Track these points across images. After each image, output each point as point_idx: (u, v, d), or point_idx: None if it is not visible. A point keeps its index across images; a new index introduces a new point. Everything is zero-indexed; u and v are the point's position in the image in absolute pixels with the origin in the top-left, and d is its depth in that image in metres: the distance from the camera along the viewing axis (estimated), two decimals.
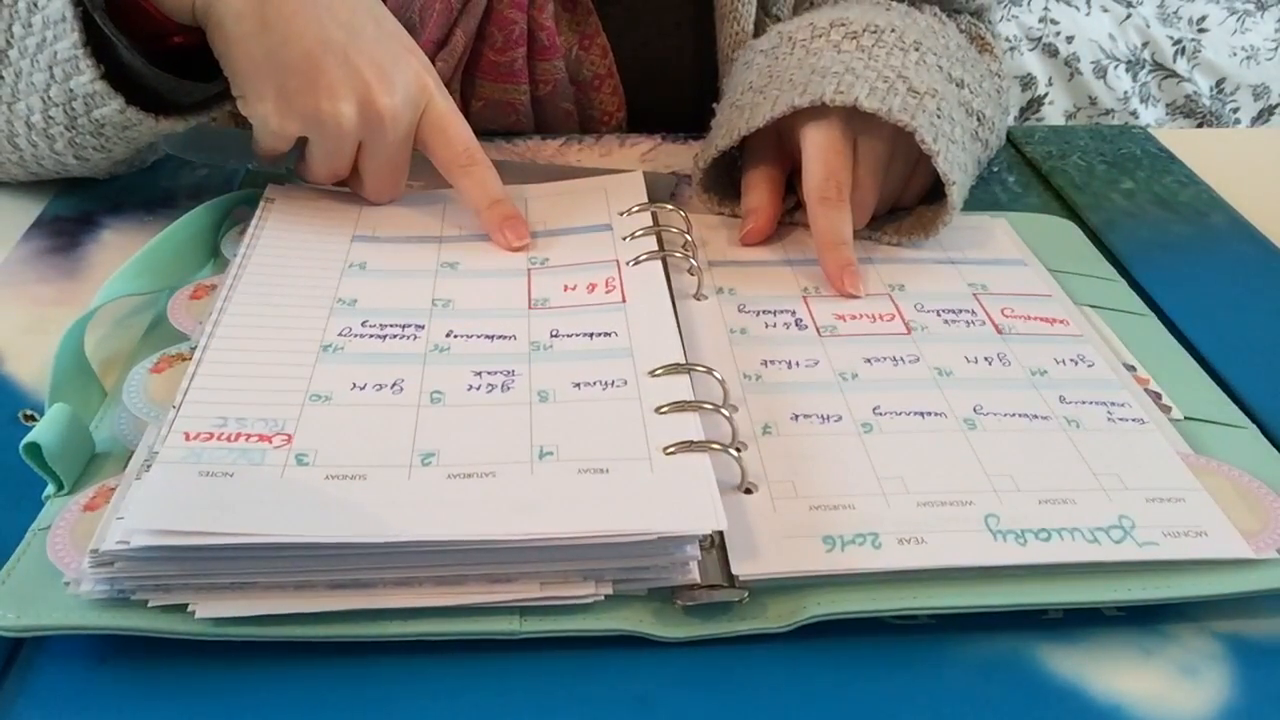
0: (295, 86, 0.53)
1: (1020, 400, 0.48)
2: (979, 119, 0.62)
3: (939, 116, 0.57)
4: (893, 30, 0.60)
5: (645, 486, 0.40)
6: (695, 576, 0.38)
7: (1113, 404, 0.48)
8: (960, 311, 0.54)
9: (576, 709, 0.36)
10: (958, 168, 0.57)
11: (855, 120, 0.56)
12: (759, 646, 0.38)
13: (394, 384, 0.45)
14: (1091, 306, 0.57)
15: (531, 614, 0.38)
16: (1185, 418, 0.49)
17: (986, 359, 0.51)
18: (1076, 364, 0.51)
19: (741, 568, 0.39)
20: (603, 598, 0.38)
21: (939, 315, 0.54)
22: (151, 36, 0.55)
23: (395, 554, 0.37)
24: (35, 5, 0.53)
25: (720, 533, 0.39)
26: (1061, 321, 0.54)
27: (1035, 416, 0.47)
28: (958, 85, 0.60)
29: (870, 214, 0.59)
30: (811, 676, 0.37)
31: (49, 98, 0.55)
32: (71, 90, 0.54)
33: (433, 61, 0.59)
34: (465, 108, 0.73)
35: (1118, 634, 0.39)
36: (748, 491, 0.42)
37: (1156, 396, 0.50)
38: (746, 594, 0.39)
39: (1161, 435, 0.47)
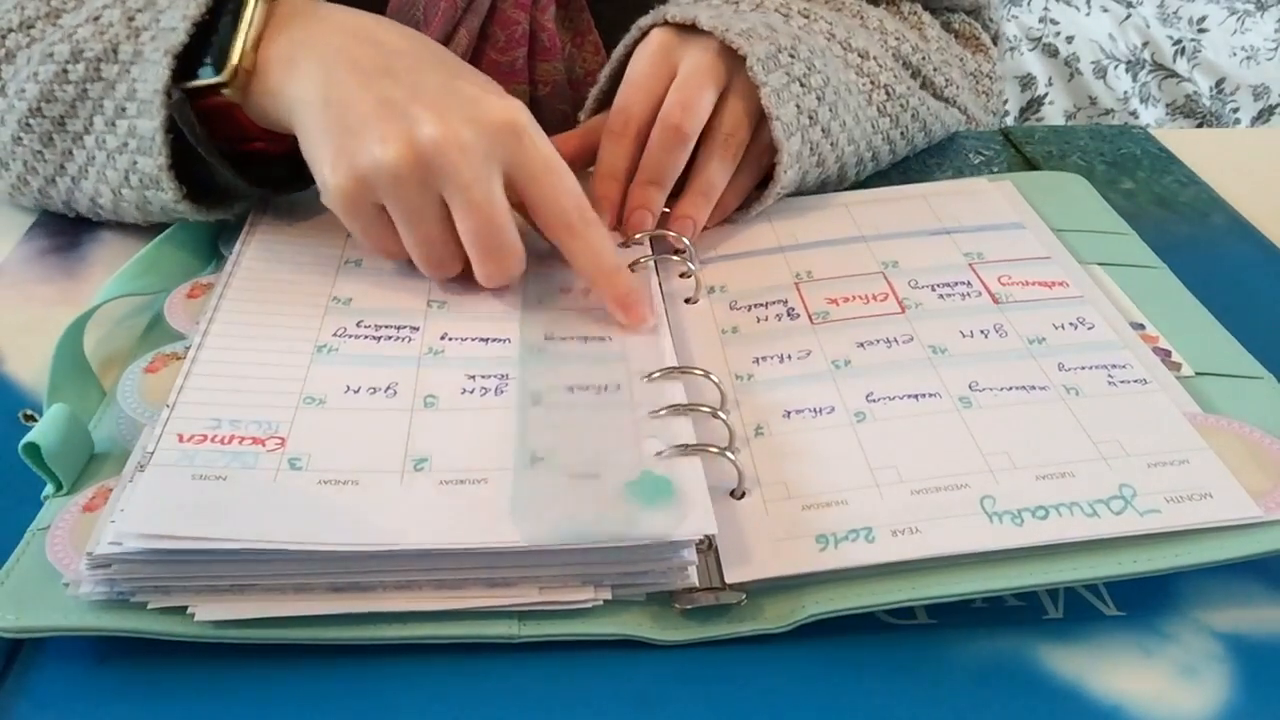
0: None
1: (1017, 372, 0.47)
2: (887, 92, 0.61)
3: (793, 57, 0.56)
4: (785, 3, 0.60)
5: (634, 492, 0.40)
6: (693, 580, 0.38)
7: (1114, 366, 0.47)
8: (956, 284, 0.53)
9: (576, 710, 0.36)
10: (795, 109, 0.55)
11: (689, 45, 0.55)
12: (758, 647, 0.38)
13: (388, 388, 0.45)
14: (1100, 264, 0.55)
15: (530, 618, 0.38)
16: (1196, 373, 0.48)
17: (983, 332, 0.50)
18: (1076, 327, 0.50)
19: (734, 574, 0.39)
20: (601, 602, 0.38)
21: (934, 290, 0.53)
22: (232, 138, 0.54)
23: (393, 558, 0.37)
24: (123, 111, 0.52)
25: (713, 537, 0.39)
26: (1061, 284, 0.53)
27: (1033, 388, 0.46)
28: (860, 55, 0.59)
29: (702, 119, 0.55)
30: (811, 676, 0.37)
31: (118, 191, 0.55)
32: (147, 199, 0.54)
33: None
34: None
35: (1118, 634, 0.39)
36: (741, 496, 0.42)
37: (1166, 354, 0.49)
38: (744, 596, 0.39)
39: (1165, 396, 0.45)
